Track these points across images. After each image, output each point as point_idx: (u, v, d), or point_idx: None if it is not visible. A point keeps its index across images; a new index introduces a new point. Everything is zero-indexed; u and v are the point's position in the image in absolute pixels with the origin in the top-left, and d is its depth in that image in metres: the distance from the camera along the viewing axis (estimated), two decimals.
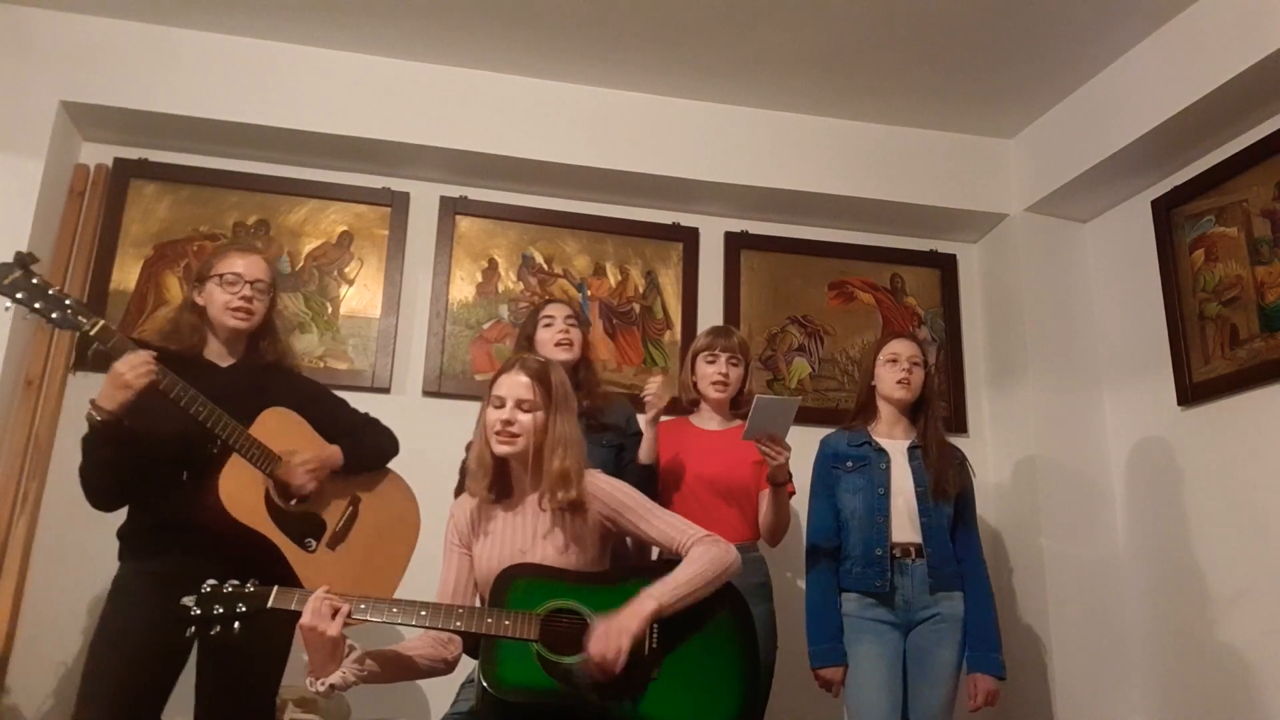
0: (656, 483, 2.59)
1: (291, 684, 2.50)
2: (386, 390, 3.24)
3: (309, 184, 3.39)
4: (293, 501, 2.19)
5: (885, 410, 2.73)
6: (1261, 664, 2.71)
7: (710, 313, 3.54)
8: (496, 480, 2.03)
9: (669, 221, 3.63)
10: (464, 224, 3.48)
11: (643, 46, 3.20)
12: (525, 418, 1.97)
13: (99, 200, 3.20)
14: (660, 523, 1.99)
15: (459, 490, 2.46)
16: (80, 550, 2.49)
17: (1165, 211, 3.23)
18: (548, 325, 2.65)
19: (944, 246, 3.85)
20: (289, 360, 2.41)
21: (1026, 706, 3.19)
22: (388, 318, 3.32)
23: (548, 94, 3.40)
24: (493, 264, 3.47)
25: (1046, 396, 3.43)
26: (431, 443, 2.64)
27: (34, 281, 1.98)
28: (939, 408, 2.87)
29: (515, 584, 1.87)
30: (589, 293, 3.52)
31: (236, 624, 1.76)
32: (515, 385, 1.99)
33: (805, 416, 2.81)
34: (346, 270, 3.36)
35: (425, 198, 3.46)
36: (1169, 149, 3.10)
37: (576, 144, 3.37)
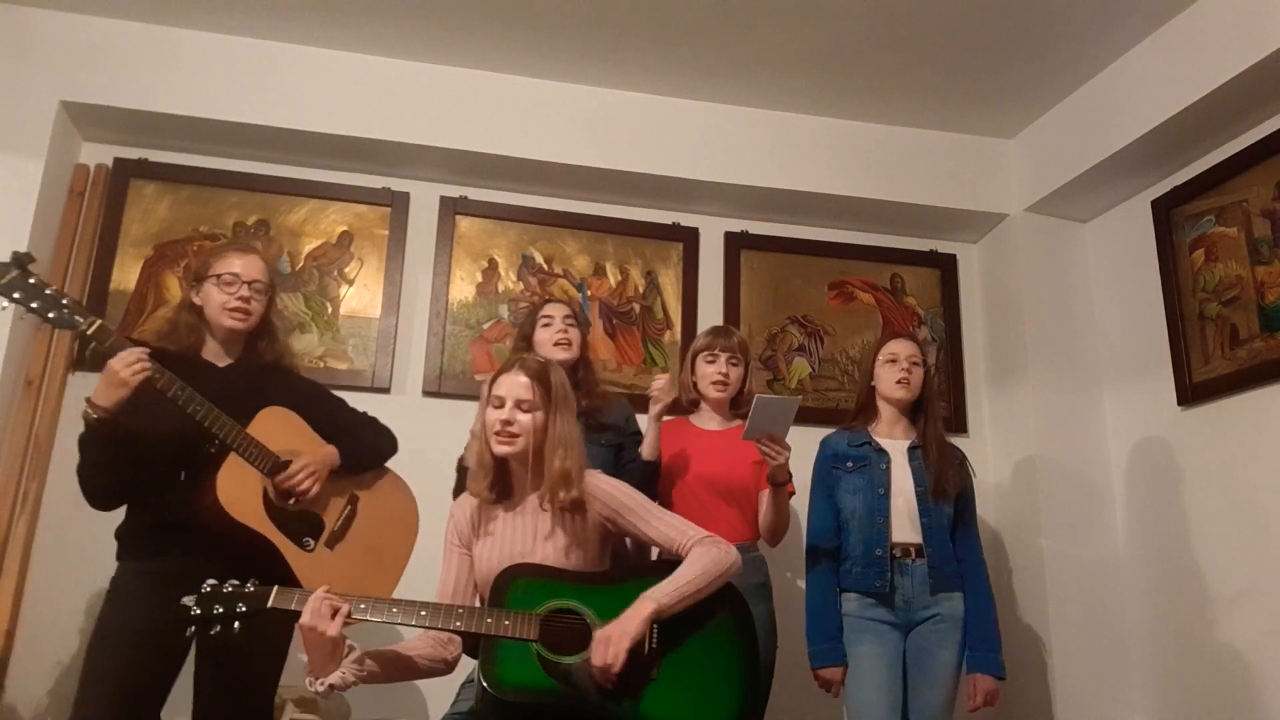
0: (658, 480, 2.60)
1: (291, 684, 2.51)
2: (386, 390, 3.24)
3: (309, 184, 3.39)
4: (291, 501, 2.18)
5: (885, 410, 2.73)
6: (1261, 664, 2.71)
7: (710, 313, 3.54)
8: (497, 480, 2.03)
9: (669, 221, 3.63)
10: (464, 224, 3.48)
11: (643, 46, 3.20)
12: (525, 418, 1.97)
13: (99, 200, 3.20)
14: (660, 524, 1.99)
15: (457, 491, 2.47)
16: (80, 550, 2.49)
17: (1165, 211, 3.23)
18: (546, 325, 2.65)
19: (944, 246, 3.85)
20: (287, 360, 2.41)
21: (1026, 706, 3.19)
22: (388, 318, 3.32)
23: (548, 94, 3.40)
24: (493, 264, 3.47)
25: (1046, 396, 3.43)
26: (431, 443, 2.63)
27: (31, 281, 1.98)
28: (939, 408, 2.87)
29: (515, 584, 1.87)
30: (589, 293, 3.52)
31: (236, 624, 1.76)
32: (515, 385, 2.00)
33: (805, 416, 2.82)
34: (346, 270, 3.36)
35: (425, 198, 3.46)
36: (1169, 149, 3.11)
37: (576, 144, 3.37)
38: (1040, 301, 3.54)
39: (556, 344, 2.60)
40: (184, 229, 3.26)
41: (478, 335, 3.39)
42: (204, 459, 2.09)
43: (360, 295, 3.34)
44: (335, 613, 1.74)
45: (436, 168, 3.42)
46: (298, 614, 1.75)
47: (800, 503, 2.76)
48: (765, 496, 2.59)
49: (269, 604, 1.78)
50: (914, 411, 2.73)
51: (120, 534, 2.19)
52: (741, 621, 1.93)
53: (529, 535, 1.99)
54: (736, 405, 2.73)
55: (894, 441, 2.69)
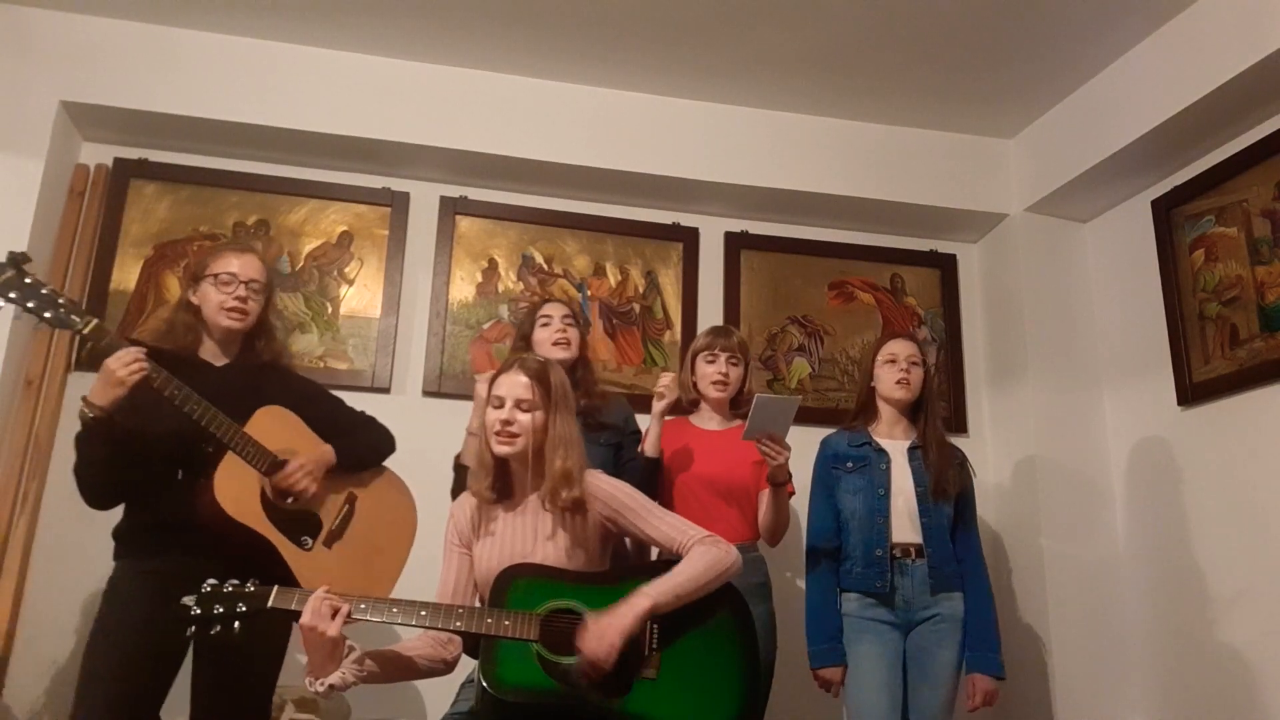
0: (659, 476, 2.60)
1: (291, 684, 2.51)
2: (386, 390, 3.24)
3: (309, 184, 3.39)
4: (290, 500, 2.18)
5: (885, 411, 2.73)
6: (1261, 664, 2.71)
7: (710, 313, 3.54)
8: (497, 480, 2.03)
9: (669, 221, 3.63)
10: (464, 224, 3.48)
11: (643, 46, 3.20)
12: (525, 417, 1.97)
13: (99, 200, 3.20)
14: (661, 523, 1.99)
15: (454, 490, 2.46)
16: (80, 550, 2.49)
17: (1165, 211, 3.23)
18: (545, 325, 2.65)
19: (944, 246, 3.85)
20: (285, 360, 2.41)
21: (1026, 706, 3.19)
22: (388, 318, 3.32)
23: (548, 94, 3.40)
24: (493, 264, 3.47)
25: (1046, 396, 3.43)
26: (431, 443, 2.63)
27: (27, 281, 1.97)
28: (939, 408, 2.87)
29: (515, 584, 1.87)
30: (589, 293, 3.52)
31: (237, 624, 1.76)
32: (514, 385, 2.00)
33: (805, 416, 2.82)
34: (346, 270, 3.36)
35: (425, 198, 3.46)
36: (1169, 149, 3.11)
37: (576, 144, 3.37)
38: (1040, 301, 3.54)
39: (555, 343, 2.60)
40: (184, 229, 3.26)
41: (478, 335, 3.39)
42: (201, 458, 2.09)
43: (360, 295, 3.34)
44: (335, 613, 1.74)
45: (436, 168, 3.42)
46: (297, 614, 1.75)
47: (800, 503, 2.76)
48: (765, 496, 2.59)
49: (269, 604, 1.78)
50: (914, 412, 2.73)
51: (117, 533, 2.18)
52: (741, 621, 1.93)
53: (529, 535, 1.99)
54: (736, 405, 2.73)
55: (894, 442, 2.69)
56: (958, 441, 2.88)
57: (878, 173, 3.58)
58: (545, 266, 3.51)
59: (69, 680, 2.08)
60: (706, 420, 2.76)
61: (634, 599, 1.81)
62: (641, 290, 3.56)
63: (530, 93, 3.39)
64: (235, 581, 1.80)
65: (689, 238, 3.62)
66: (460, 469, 2.46)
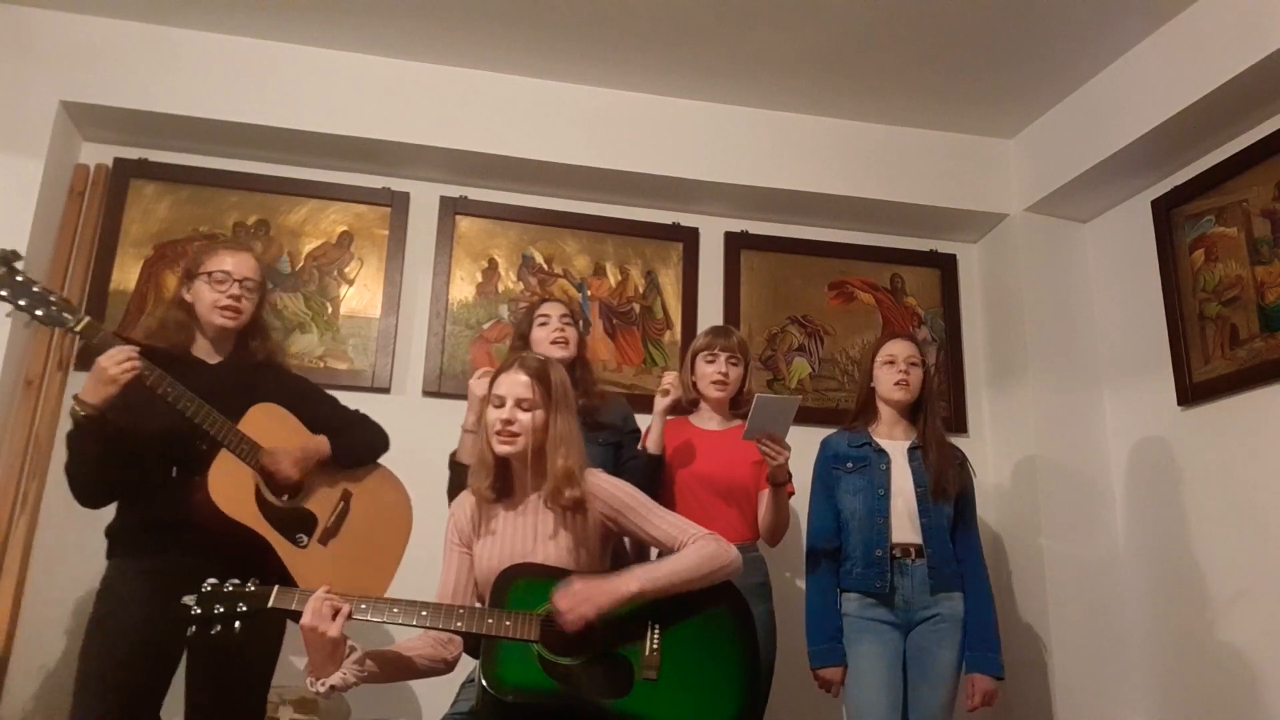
0: (662, 474, 2.60)
1: (292, 685, 2.51)
2: (386, 390, 3.24)
3: (309, 184, 3.39)
4: (285, 497, 2.18)
5: (885, 411, 2.73)
6: (1261, 664, 2.71)
7: (710, 313, 3.54)
8: (497, 479, 2.03)
9: (669, 221, 3.63)
10: (464, 224, 3.48)
11: (643, 46, 3.20)
12: (525, 417, 1.97)
13: (99, 200, 3.20)
14: (662, 523, 1.99)
15: (450, 488, 2.46)
16: (80, 550, 2.49)
17: (1165, 211, 3.23)
18: (543, 324, 2.65)
19: (944, 246, 3.85)
20: (279, 358, 2.41)
21: (1026, 706, 3.19)
22: (388, 318, 3.32)
23: (548, 94, 3.40)
24: (493, 264, 3.47)
25: (1046, 396, 3.43)
26: (431, 443, 2.63)
27: (18, 279, 1.97)
28: (939, 408, 2.87)
29: (516, 584, 1.87)
30: (589, 293, 3.52)
31: (237, 623, 1.76)
32: (515, 384, 1.99)
33: (805, 416, 2.82)
34: (346, 270, 3.36)
35: (425, 198, 3.46)
36: (1169, 149, 3.10)
37: (576, 144, 3.37)
38: (1040, 301, 3.54)
39: (553, 342, 2.60)
40: (184, 229, 3.26)
41: (478, 335, 3.39)
42: (195, 456, 2.09)
43: (360, 295, 3.34)
44: (336, 613, 1.74)
45: (436, 168, 3.42)
46: (296, 614, 1.75)
47: (800, 503, 2.77)
48: (765, 496, 2.59)
49: (269, 604, 1.78)
50: (914, 412, 2.73)
51: (111, 532, 2.18)
52: (741, 621, 1.93)
53: (530, 534, 1.99)
54: (736, 405, 2.73)
55: (894, 442, 2.69)
56: (958, 441, 2.88)
57: (878, 173, 3.58)
58: (545, 266, 3.51)
59: (69, 680, 2.07)
60: (706, 420, 2.76)
61: (623, 580, 1.83)
62: (641, 290, 3.56)
63: (530, 93, 3.39)
64: (236, 581, 1.80)
65: (689, 238, 3.62)
66: (456, 467, 2.46)
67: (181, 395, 2.03)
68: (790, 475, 2.52)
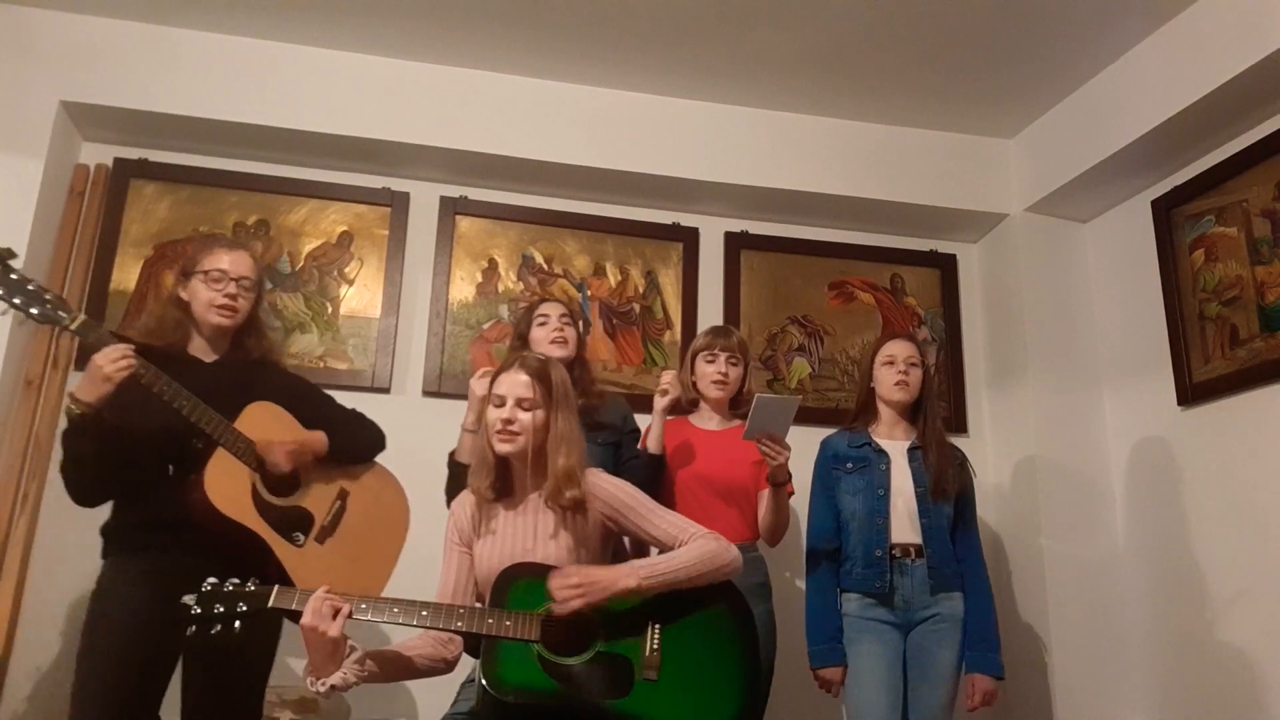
0: (663, 474, 2.60)
1: (292, 685, 2.51)
2: (386, 390, 3.24)
3: (309, 184, 3.39)
4: (283, 496, 2.18)
5: (885, 411, 2.74)
6: (1261, 664, 2.71)
7: (710, 313, 3.54)
8: (498, 479, 2.03)
9: (669, 221, 3.63)
10: (464, 224, 3.48)
11: (643, 46, 3.20)
12: (525, 416, 1.97)
13: (99, 200, 3.20)
14: (662, 522, 1.99)
15: (448, 486, 2.46)
16: (80, 550, 2.48)
17: (1165, 211, 3.23)
18: (542, 324, 2.65)
19: (944, 246, 3.85)
20: (275, 356, 2.40)
21: (1026, 706, 3.19)
22: (388, 318, 3.32)
23: (548, 94, 3.40)
24: (493, 264, 3.47)
25: (1046, 396, 3.43)
26: (431, 443, 2.63)
27: (13, 276, 1.97)
28: (939, 408, 2.87)
29: (516, 584, 1.87)
30: (589, 293, 3.52)
31: (237, 623, 1.76)
32: (515, 384, 2.00)
33: (805, 416, 2.82)
34: (346, 270, 3.36)
35: (425, 198, 3.46)
36: (1169, 149, 3.11)
37: (576, 144, 3.37)
38: (1040, 301, 3.54)
39: (552, 342, 2.60)
40: (184, 229, 3.25)
41: (478, 335, 3.39)
42: (191, 454, 2.09)
43: (360, 295, 3.34)
44: (336, 613, 1.74)
45: (436, 168, 3.42)
46: (296, 613, 1.75)
47: (800, 503, 2.76)
48: (765, 496, 2.59)
49: (270, 603, 1.78)
50: (913, 412, 2.73)
51: (106, 531, 2.17)
52: (742, 621, 1.93)
53: (531, 534, 1.99)
54: (736, 405, 2.73)
55: (894, 442, 2.69)
56: (958, 441, 2.89)
57: (878, 173, 3.58)
58: (545, 266, 3.51)
59: (68, 681, 2.07)
60: (706, 420, 2.76)
61: (622, 574, 1.83)
62: (641, 290, 3.56)
63: (530, 93, 3.39)
64: (236, 580, 1.79)
65: (689, 238, 3.62)
66: (455, 466, 2.46)
67: (178, 393, 2.02)
68: (790, 475, 2.52)
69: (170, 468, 2.12)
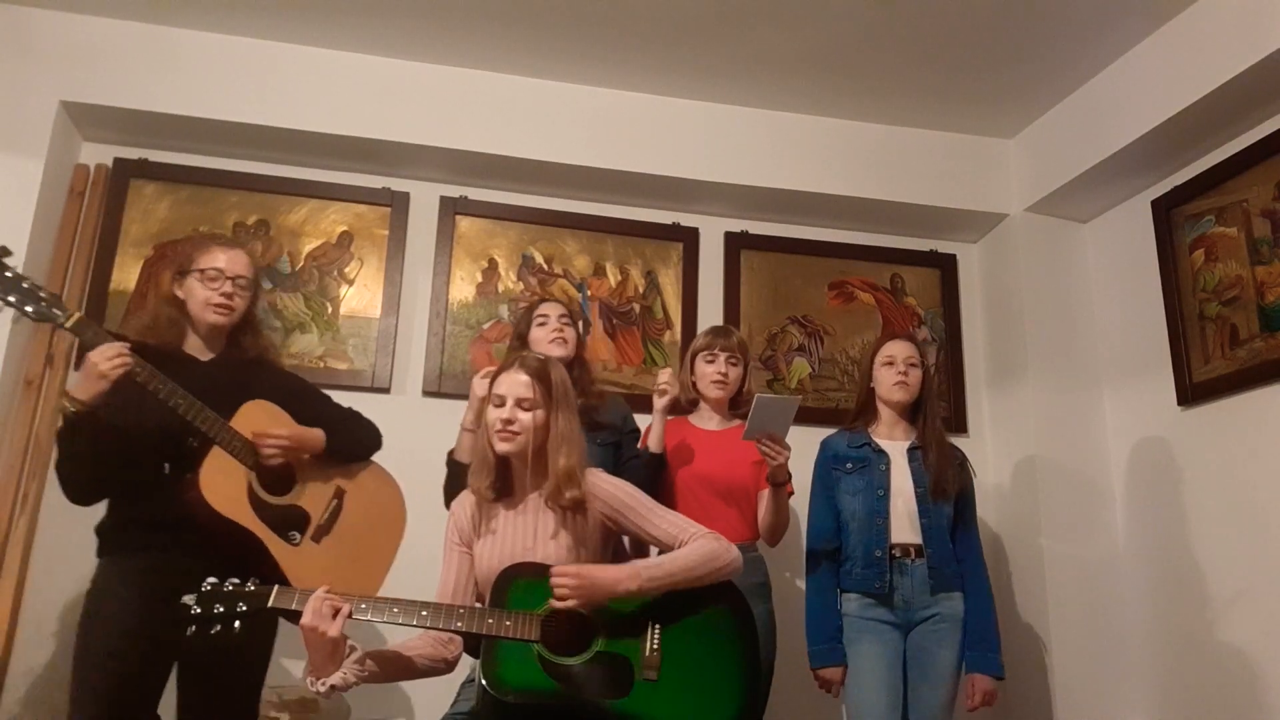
0: (663, 474, 2.60)
1: (291, 685, 2.51)
2: (386, 390, 3.24)
3: (309, 184, 3.39)
4: (279, 495, 2.17)
5: (885, 412, 2.74)
6: (1261, 664, 2.71)
7: (710, 313, 3.54)
8: (498, 478, 2.03)
9: (669, 221, 3.63)
10: (464, 224, 3.48)
11: (643, 46, 3.20)
12: (525, 416, 1.97)
13: (99, 200, 3.20)
14: (663, 522, 1.99)
15: (447, 486, 2.46)
16: (80, 550, 2.49)
17: (1165, 211, 3.23)
18: (541, 324, 2.65)
19: (944, 246, 3.85)
20: (270, 355, 2.40)
21: (1026, 706, 3.19)
22: (388, 318, 3.32)
23: (548, 94, 3.40)
24: (493, 264, 3.47)
25: (1046, 396, 3.43)
26: (431, 443, 2.62)
27: (8, 275, 1.97)
28: (939, 408, 2.87)
29: (516, 584, 1.87)
30: (589, 293, 3.52)
31: (237, 623, 1.76)
32: (515, 384, 2.00)
33: (805, 416, 2.82)
34: (346, 270, 3.36)
35: (425, 198, 3.46)
36: (1169, 149, 3.10)
37: (576, 144, 3.37)
38: (1040, 301, 3.54)
39: (552, 342, 2.60)
40: (184, 229, 3.25)
41: (478, 335, 3.39)
42: (187, 453, 2.08)
43: (360, 295, 3.34)
44: (336, 613, 1.74)
45: (436, 168, 3.42)
46: (295, 613, 1.75)
47: (800, 503, 2.76)
48: (765, 496, 2.59)
49: (269, 603, 1.78)
50: (913, 412, 2.73)
51: (102, 529, 2.16)
52: (742, 621, 1.94)
53: (531, 534, 1.99)
54: (736, 405, 2.73)
55: (894, 442, 2.69)
56: (958, 441, 2.89)
57: (878, 173, 3.58)
58: (545, 266, 3.51)
59: (68, 680, 2.07)
60: (706, 420, 2.76)
61: (623, 575, 1.83)
62: (641, 290, 3.56)
63: (530, 93, 3.39)
64: (235, 580, 1.79)
65: (689, 238, 3.62)
66: (453, 465, 2.46)
67: (173, 392, 2.02)
68: (790, 475, 2.52)
69: (166, 466, 2.12)
